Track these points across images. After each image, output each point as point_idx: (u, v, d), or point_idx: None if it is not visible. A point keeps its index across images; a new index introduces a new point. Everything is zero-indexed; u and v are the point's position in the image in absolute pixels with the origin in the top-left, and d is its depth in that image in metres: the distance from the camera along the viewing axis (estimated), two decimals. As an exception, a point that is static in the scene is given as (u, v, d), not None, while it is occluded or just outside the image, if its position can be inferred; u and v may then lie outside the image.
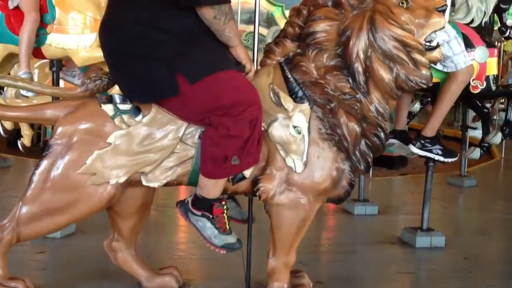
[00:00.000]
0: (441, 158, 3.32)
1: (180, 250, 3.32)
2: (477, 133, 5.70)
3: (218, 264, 2.91)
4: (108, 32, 2.28)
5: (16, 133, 5.41)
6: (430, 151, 3.32)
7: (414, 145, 3.34)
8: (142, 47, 2.19)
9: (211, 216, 2.30)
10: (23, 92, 3.52)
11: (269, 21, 7.15)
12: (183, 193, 4.53)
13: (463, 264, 3.17)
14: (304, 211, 2.35)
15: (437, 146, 3.32)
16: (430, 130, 3.31)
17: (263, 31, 6.22)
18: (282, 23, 6.21)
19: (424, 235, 3.48)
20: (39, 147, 5.94)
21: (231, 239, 2.32)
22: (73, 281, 2.66)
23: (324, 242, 3.66)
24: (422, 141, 3.32)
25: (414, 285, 2.98)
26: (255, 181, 2.36)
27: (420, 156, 3.44)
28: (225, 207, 2.32)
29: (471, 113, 5.61)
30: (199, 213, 2.30)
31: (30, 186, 2.33)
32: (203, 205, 2.30)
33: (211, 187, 2.29)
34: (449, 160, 3.39)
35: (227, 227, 2.32)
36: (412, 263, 3.28)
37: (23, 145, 5.31)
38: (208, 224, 2.30)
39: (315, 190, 2.33)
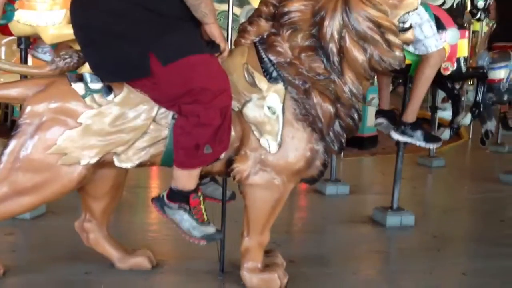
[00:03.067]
0: (423, 144, 3.36)
1: (152, 230, 3.30)
2: (446, 115, 5.82)
3: (191, 244, 2.88)
4: (86, 6, 2.20)
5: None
6: (411, 136, 3.35)
7: (395, 131, 3.37)
8: (122, 25, 2.13)
9: (188, 208, 2.28)
10: None
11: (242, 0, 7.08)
12: (155, 173, 4.51)
13: (432, 243, 3.24)
14: (278, 192, 2.36)
15: (419, 132, 3.35)
16: (410, 116, 3.34)
17: (236, 10, 6.16)
18: (255, 2, 6.16)
19: (394, 214, 3.54)
20: (6, 126, 5.82)
21: (210, 229, 2.30)
22: (43, 262, 2.62)
23: (297, 222, 3.69)
24: (403, 127, 3.35)
25: (385, 264, 3.03)
26: (229, 162, 2.36)
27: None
28: (201, 197, 2.31)
29: (441, 95, 5.69)
30: (176, 205, 2.28)
31: (-2, 166, 2.27)
32: (179, 197, 2.28)
33: (186, 178, 2.26)
34: (431, 145, 3.43)
35: (205, 218, 2.31)
36: (383, 242, 3.34)
37: (-11, 125, 5.18)
38: (186, 216, 2.28)
39: (289, 171, 2.34)
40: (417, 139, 3.35)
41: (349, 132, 2.37)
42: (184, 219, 2.28)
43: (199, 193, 2.30)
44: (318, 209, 3.97)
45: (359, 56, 2.27)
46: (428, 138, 3.37)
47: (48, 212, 3.31)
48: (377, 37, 2.25)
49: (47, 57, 3.97)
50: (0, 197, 2.27)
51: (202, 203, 2.30)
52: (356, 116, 2.34)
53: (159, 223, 3.43)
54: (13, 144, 2.26)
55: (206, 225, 2.30)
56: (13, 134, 2.27)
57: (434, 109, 5.47)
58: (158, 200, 2.33)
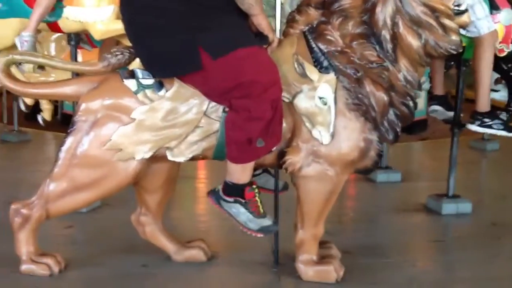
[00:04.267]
0: (504, 133, 3.22)
1: (203, 221, 3.33)
2: (497, 96, 5.61)
3: (244, 235, 2.90)
4: (129, 3, 2.23)
5: (35, 107, 5.43)
6: (490, 126, 3.22)
7: (473, 123, 3.26)
8: (165, 19, 2.14)
9: (243, 201, 2.28)
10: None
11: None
12: (202, 163, 4.52)
13: (491, 231, 3.14)
14: (331, 183, 2.33)
15: (496, 121, 3.22)
16: (482, 105, 3.21)
17: (282, -2, 6.08)
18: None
19: (450, 201, 3.45)
20: (57, 120, 5.97)
21: (266, 221, 2.31)
22: (102, 255, 2.68)
23: (348, 211, 3.64)
24: (480, 118, 3.22)
25: (442, 253, 2.95)
26: (281, 154, 2.34)
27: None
28: (256, 190, 2.30)
29: (493, 76, 5.48)
30: (231, 199, 2.29)
31: (56, 163, 2.34)
32: (234, 191, 2.28)
33: (240, 172, 2.26)
34: None
35: (261, 210, 2.30)
36: (439, 230, 3.26)
37: (43, 119, 5.33)
38: (242, 209, 2.28)
39: (342, 162, 2.30)
40: (497, 129, 3.21)
41: (404, 120, 2.31)
42: (241, 212, 2.28)
43: (254, 186, 2.30)
44: (369, 197, 3.90)
45: (413, 42, 2.20)
46: (507, 126, 3.21)
47: (104, 205, 3.38)
48: (432, 21, 2.18)
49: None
50: (60, 193, 2.33)
51: (257, 195, 2.29)
52: (411, 104, 2.28)
53: (210, 213, 3.46)
54: (69, 141, 2.32)
55: (262, 218, 2.30)
56: (69, 131, 2.32)
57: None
58: (214, 193, 2.34)
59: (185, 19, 2.14)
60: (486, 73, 3.15)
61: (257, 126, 2.16)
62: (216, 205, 2.34)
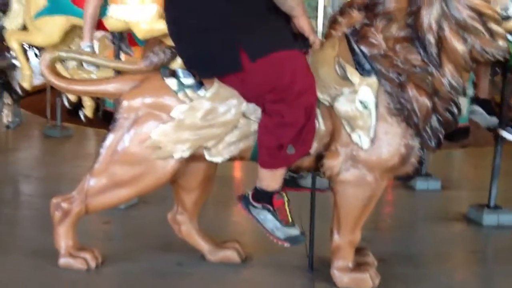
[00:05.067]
0: None
1: (238, 222, 3.33)
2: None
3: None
4: (173, 3, 2.25)
5: (78, 104, 5.55)
6: None
7: (508, 131, 3.16)
8: (207, 19, 2.15)
9: (272, 208, 2.27)
10: (86, 65, 3.57)
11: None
12: (239, 164, 4.52)
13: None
14: (370, 189, 2.29)
15: None
16: None
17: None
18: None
19: (491, 212, 3.34)
20: (99, 117, 6.08)
21: (294, 231, 2.29)
22: (138, 252, 2.71)
23: (385, 217, 3.58)
24: None
25: (482, 265, 2.87)
26: (319, 157, 2.31)
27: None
28: (285, 198, 2.29)
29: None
30: (260, 205, 2.28)
31: (98, 159, 2.38)
32: (263, 197, 2.27)
33: (270, 179, 2.25)
34: None
35: (290, 219, 2.29)
36: (479, 241, 3.17)
37: (85, 116, 5.44)
38: (270, 216, 2.27)
39: (382, 167, 2.26)
40: None
41: (447, 127, 2.25)
42: (268, 219, 2.27)
43: (283, 194, 2.28)
44: (408, 205, 3.83)
45: (459, 46, 2.14)
46: None
47: (141, 202, 3.42)
48: (479, 26, 2.12)
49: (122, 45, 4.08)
50: (100, 188, 2.37)
51: (286, 204, 2.27)
52: (455, 110, 2.22)
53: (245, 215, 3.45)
54: (111, 138, 2.35)
55: (290, 227, 2.28)
56: (111, 128, 2.36)
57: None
58: (244, 199, 2.34)
59: (228, 20, 2.14)
60: None
61: (289, 132, 2.15)
62: (245, 210, 2.33)
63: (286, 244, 2.29)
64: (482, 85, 3.43)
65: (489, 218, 3.32)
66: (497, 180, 3.37)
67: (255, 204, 2.29)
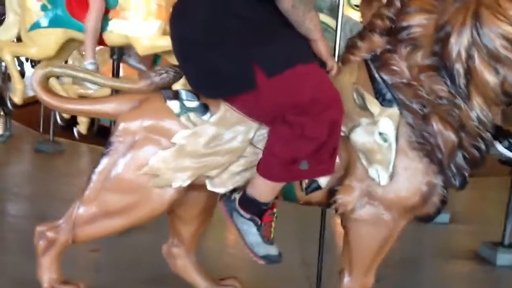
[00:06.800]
0: None
1: (233, 254, 3.10)
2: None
3: (279, 271, 2.67)
4: (179, 18, 2.06)
5: (71, 120, 5.36)
6: None
7: (501, 142, 3.00)
8: (216, 35, 1.96)
9: (259, 222, 2.07)
10: (89, 84, 3.39)
11: (333, 8, 6.84)
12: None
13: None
14: (386, 229, 2.10)
15: None
16: None
17: (325, 18, 5.90)
18: (346, 11, 5.87)
19: (506, 251, 3.17)
20: (93, 132, 5.89)
21: (273, 250, 2.11)
22: (128, 285, 2.50)
23: (392, 254, 3.36)
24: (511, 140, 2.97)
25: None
26: (331, 192, 2.12)
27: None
28: (275, 215, 2.11)
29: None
30: (248, 215, 2.07)
31: (88, 185, 2.17)
32: (253, 207, 2.06)
33: (266, 189, 2.05)
34: None
35: (272, 236, 2.12)
36: (492, 283, 2.97)
37: (78, 133, 5.25)
38: (253, 230, 2.07)
39: (401, 206, 2.06)
40: None
41: (473, 165, 2.07)
42: (251, 232, 2.07)
43: (275, 210, 2.10)
44: (415, 239, 3.61)
45: (490, 78, 1.97)
46: None
47: (133, 228, 3.20)
48: (513, 56, 1.94)
49: (132, 60, 3.91)
50: (90, 217, 2.16)
51: (274, 220, 2.11)
52: (483, 147, 2.03)
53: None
54: (104, 162, 2.15)
55: (270, 244, 2.10)
56: (105, 152, 2.16)
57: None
58: (228, 202, 2.12)
59: (240, 35, 1.96)
60: None
61: (307, 147, 1.95)
62: (227, 214, 2.12)
63: (262, 262, 2.11)
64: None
65: (503, 258, 3.15)
66: (512, 216, 3.20)
67: (242, 212, 2.08)
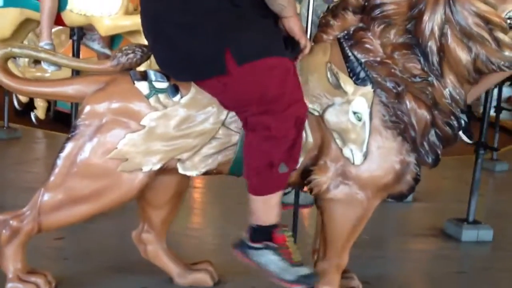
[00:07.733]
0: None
1: (195, 237, 3.04)
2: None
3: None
4: None
5: (29, 104, 5.15)
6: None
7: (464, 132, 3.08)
8: (192, 16, 1.89)
9: (275, 246, 1.97)
10: (45, 65, 3.23)
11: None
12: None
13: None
14: (361, 208, 2.09)
15: None
16: None
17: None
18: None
19: (470, 228, 3.23)
20: (50, 117, 5.69)
21: (303, 270, 1.98)
22: (96, 273, 2.43)
23: (361, 233, 3.40)
24: None
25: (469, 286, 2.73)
26: (305, 172, 2.09)
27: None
28: (288, 234, 2.01)
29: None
30: (260, 245, 1.98)
31: (53, 171, 2.08)
32: (261, 235, 1.98)
33: (264, 210, 1.98)
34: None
35: (295, 257, 1.99)
36: (461, 260, 3.02)
37: (36, 117, 5.05)
38: (273, 257, 1.97)
39: (375, 185, 2.06)
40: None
41: (446, 142, 2.08)
42: (271, 260, 1.97)
43: (285, 229, 2.01)
44: (381, 219, 3.61)
45: (463, 56, 1.97)
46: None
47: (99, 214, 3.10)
48: (485, 34, 1.95)
49: (96, 45, 3.76)
50: (55, 204, 2.07)
51: (289, 240, 1.99)
52: (455, 124, 2.04)
53: (204, 228, 3.18)
54: (69, 147, 2.06)
55: (298, 266, 1.99)
56: (70, 136, 2.06)
57: (499, 110, 5.07)
58: (240, 245, 2.03)
59: (215, 17, 1.89)
60: None
61: (280, 148, 1.91)
62: (244, 257, 2.03)
63: (296, 286, 1.98)
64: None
65: (468, 234, 3.20)
66: (477, 194, 3.27)
67: (253, 245, 1.98)
